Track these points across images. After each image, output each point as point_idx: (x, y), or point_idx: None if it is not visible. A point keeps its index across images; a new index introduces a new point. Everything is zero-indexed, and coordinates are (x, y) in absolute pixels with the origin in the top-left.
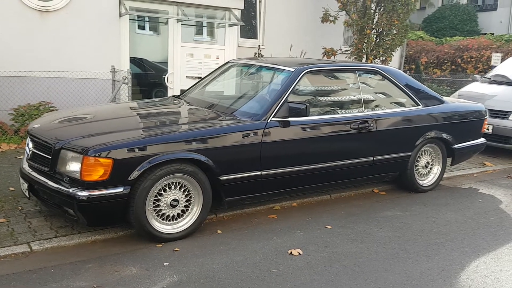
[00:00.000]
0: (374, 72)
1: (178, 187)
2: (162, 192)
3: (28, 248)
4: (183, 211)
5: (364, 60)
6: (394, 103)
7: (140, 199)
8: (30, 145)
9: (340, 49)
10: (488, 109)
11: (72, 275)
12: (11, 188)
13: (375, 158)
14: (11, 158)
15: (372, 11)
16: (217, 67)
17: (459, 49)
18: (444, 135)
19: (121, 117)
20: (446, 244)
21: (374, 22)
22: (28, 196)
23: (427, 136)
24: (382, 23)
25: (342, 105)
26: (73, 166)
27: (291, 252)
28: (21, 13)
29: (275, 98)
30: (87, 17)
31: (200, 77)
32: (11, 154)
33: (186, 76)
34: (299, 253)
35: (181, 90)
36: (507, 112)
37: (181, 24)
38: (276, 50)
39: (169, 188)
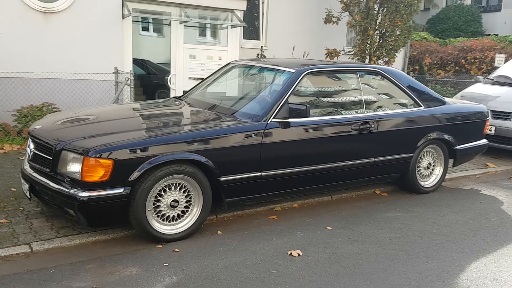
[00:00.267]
0: (375, 73)
1: (178, 188)
2: (162, 193)
3: (29, 249)
4: (183, 211)
5: (367, 61)
6: (396, 104)
7: (140, 199)
8: (31, 146)
9: (343, 50)
10: (491, 110)
11: (72, 275)
12: (13, 189)
13: (377, 159)
14: (13, 159)
15: (375, 12)
16: (218, 68)
17: (463, 50)
18: (446, 136)
19: (121, 118)
20: (446, 245)
21: (377, 23)
22: (29, 197)
23: (429, 137)
24: (385, 24)
25: (343, 106)
26: (74, 167)
27: (291, 253)
28: (24, 14)
29: (275, 99)
30: (90, 19)
31: (203, 78)
32: (13, 155)
33: (189, 77)
34: (299, 254)
35: (183, 91)
36: (509, 113)
37: (184, 26)
38: (279, 51)
39: (169, 189)
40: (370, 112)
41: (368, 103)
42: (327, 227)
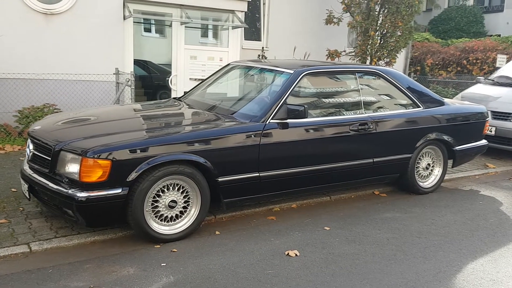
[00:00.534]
0: (374, 74)
1: (177, 188)
2: (161, 193)
3: (28, 249)
4: (181, 212)
5: (368, 61)
6: (394, 105)
7: (138, 200)
8: (31, 146)
9: (345, 51)
10: (491, 111)
11: (70, 275)
12: (13, 189)
13: (375, 159)
14: (14, 159)
15: (376, 13)
16: (218, 69)
17: (464, 50)
18: (445, 137)
19: (120, 119)
20: (443, 246)
21: (378, 24)
22: (28, 197)
23: (428, 138)
24: (386, 24)
25: (341, 106)
26: (72, 168)
27: (288, 253)
28: (26, 16)
29: (273, 100)
30: (91, 20)
31: (203, 79)
32: (14, 156)
33: (190, 78)
34: (296, 254)
35: (184, 92)
36: (510, 114)
37: (185, 27)
38: (280, 52)
39: (168, 189)
40: (368, 113)
41: (367, 104)
42: (325, 228)
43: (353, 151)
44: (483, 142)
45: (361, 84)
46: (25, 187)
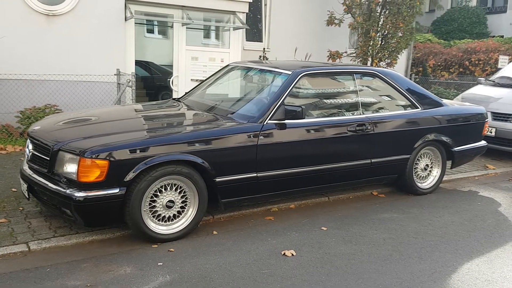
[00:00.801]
0: (372, 75)
1: (174, 188)
2: (158, 193)
3: (27, 248)
4: (179, 212)
5: (369, 62)
6: (393, 105)
7: (135, 200)
8: (30, 146)
9: (346, 52)
10: (492, 112)
11: (67, 274)
12: (13, 189)
13: (373, 160)
14: (15, 159)
15: (377, 14)
16: (217, 70)
17: (467, 51)
18: (443, 138)
19: (119, 119)
20: (440, 246)
21: (379, 25)
22: (27, 196)
23: (426, 139)
24: (387, 25)
25: (339, 107)
26: (70, 168)
27: (284, 253)
28: (28, 17)
29: (271, 100)
30: (92, 21)
31: (202, 80)
32: (15, 156)
33: (191, 79)
34: (292, 254)
35: (185, 93)
36: (510, 115)
37: (186, 28)
38: (282, 53)
39: (165, 189)
40: (366, 114)
41: (365, 105)
42: (322, 228)
43: (350, 152)
44: (482, 143)
45: (359, 85)
46: (24, 187)
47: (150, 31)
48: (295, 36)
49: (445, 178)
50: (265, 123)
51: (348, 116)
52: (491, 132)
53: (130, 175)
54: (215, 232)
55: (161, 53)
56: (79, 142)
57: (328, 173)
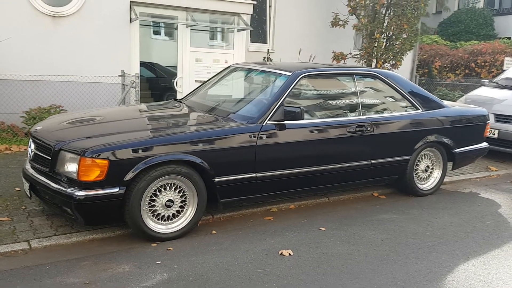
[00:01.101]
0: (373, 76)
1: (173, 188)
2: (158, 193)
3: (28, 246)
4: (178, 211)
5: (374, 64)
6: (393, 107)
7: (135, 199)
8: (32, 146)
9: (350, 53)
10: (495, 114)
11: (66, 271)
12: (17, 188)
13: (373, 161)
14: (20, 159)
15: (382, 15)
16: (219, 71)
17: (473, 53)
18: (444, 139)
19: (120, 119)
20: (437, 247)
21: (383, 26)
22: (29, 195)
23: (427, 140)
24: (392, 27)
25: (339, 108)
26: (71, 167)
27: (282, 253)
28: (34, 18)
29: (271, 101)
30: (98, 23)
31: (204, 81)
32: (20, 156)
33: (195, 80)
34: (290, 254)
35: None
36: None
37: (191, 29)
38: (286, 54)
39: (164, 188)
40: (366, 115)
41: (365, 106)
42: (321, 228)
43: (350, 153)
44: (484, 144)
45: (359, 86)
46: (26, 185)
47: (157, 32)
48: (300, 37)
49: (446, 179)
50: (264, 123)
51: (348, 117)
52: (493, 134)
53: (130, 175)
54: (214, 232)
55: (167, 55)
56: (79, 142)
57: (327, 174)
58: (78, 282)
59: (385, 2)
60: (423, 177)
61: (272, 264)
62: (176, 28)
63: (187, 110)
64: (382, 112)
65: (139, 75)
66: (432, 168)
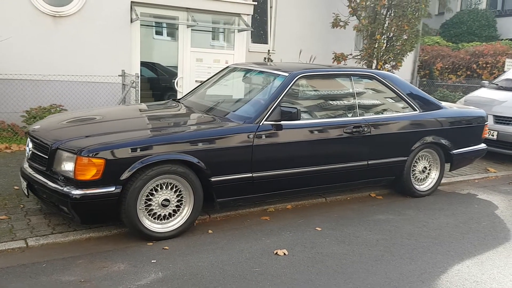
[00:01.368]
0: (370, 77)
1: (170, 187)
2: (154, 192)
3: (25, 244)
4: (174, 211)
5: (374, 65)
6: (390, 108)
7: (131, 198)
8: (30, 145)
9: (351, 54)
10: (494, 115)
11: (62, 269)
12: (15, 187)
13: (370, 162)
14: (19, 158)
15: (383, 16)
16: (217, 72)
17: (474, 54)
18: (442, 140)
19: (118, 119)
20: (432, 248)
21: (384, 27)
22: (27, 194)
23: (424, 141)
24: (392, 28)
25: (336, 109)
26: (68, 166)
27: (277, 252)
28: (35, 18)
29: (268, 101)
30: (98, 23)
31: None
32: (20, 155)
33: (196, 80)
34: (284, 253)
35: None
36: None
37: (191, 30)
38: (287, 55)
39: (161, 188)
40: (363, 116)
41: (362, 107)
42: (317, 228)
43: (347, 154)
44: (482, 146)
45: (357, 87)
46: (24, 184)
47: (159, 33)
48: (301, 38)
49: (444, 180)
50: (261, 124)
51: (345, 118)
52: (493, 136)
53: (126, 174)
54: (210, 231)
55: (168, 55)
56: (76, 141)
57: (323, 174)
58: (74, 280)
59: (386, 3)
60: (420, 178)
61: (266, 264)
62: (177, 29)
63: (185, 110)
64: (379, 113)
65: (139, 75)
66: (429, 169)
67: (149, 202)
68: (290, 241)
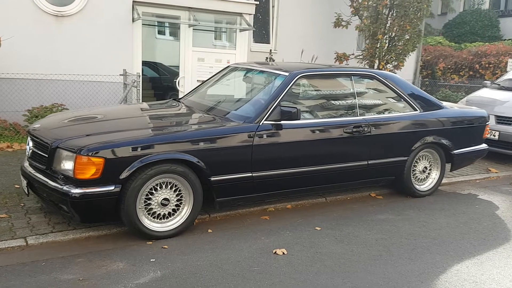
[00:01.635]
0: (371, 77)
1: (169, 186)
2: (153, 191)
3: (24, 242)
4: (174, 210)
5: (376, 65)
6: (391, 108)
7: (131, 197)
8: (30, 144)
9: (353, 54)
10: (496, 115)
11: (61, 268)
12: (16, 186)
13: (370, 162)
14: (21, 157)
15: (385, 16)
16: (218, 71)
17: (477, 54)
18: (443, 140)
19: (117, 118)
20: (431, 248)
21: (386, 27)
22: (27, 192)
23: (424, 141)
24: (394, 28)
25: (336, 109)
26: (67, 165)
27: (276, 252)
28: (37, 18)
29: (268, 101)
30: (101, 22)
31: (203, 81)
32: (21, 154)
33: (197, 80)
34: (283, 253)
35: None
36: None
37: (193, 29)
38: (289, 54)
39: (160, 187)
40: (363, 116)
41: (362, 107)
42: (316, 228)
43: (347, 153)
44: (483, 146)
45: (357, 87)
46: (24, 183)
47: (161, 32)
48: (302, 38)
49: (445, 180)
50: (261, 123)
51: (345, 118)
52: (494, 136)
53: (126, 173)
54: (210, 231)
55: (170, 54)
56: (76, 140)
57: (323, 174)
58: (72, 278)
59: (388, 3)
60: (420, 178)
61: (265, 263)
62: (179, 28)
63: (185, 110)
64: (380, 113)
65: (140, 74)
66: (430, 169)
67: (148, 201)
68: (290, 241)
